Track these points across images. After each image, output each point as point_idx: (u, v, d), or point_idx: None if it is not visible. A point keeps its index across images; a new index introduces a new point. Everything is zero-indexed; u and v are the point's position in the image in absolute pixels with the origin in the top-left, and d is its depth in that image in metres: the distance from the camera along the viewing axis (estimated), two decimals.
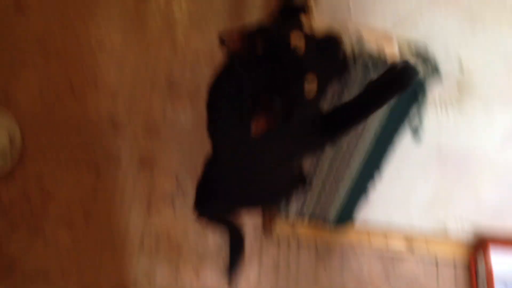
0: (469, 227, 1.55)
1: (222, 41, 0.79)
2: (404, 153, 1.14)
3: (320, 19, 0.88)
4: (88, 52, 1.97)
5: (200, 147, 1.82)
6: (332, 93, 0.98)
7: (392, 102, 1.00)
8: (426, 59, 0.87)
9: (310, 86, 0.74)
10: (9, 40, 1.99)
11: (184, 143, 1.84)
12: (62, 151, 1.82)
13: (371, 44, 0.87)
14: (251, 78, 0.78)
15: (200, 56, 1.98)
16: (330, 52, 0.77)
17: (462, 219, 1.50)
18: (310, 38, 0.75)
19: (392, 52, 0.87)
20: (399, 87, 0.85)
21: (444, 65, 0.88)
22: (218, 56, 1.90)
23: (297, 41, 0.74)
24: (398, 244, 1.68)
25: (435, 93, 0.95)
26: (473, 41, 0.82)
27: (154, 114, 1.88)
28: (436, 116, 1.01)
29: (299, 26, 0.78)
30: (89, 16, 2.02)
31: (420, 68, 0.86)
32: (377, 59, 0.88)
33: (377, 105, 0.89)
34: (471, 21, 0.78)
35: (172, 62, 1.97)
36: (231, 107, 0.88)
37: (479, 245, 1.61)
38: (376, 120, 1.06)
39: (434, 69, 0.87)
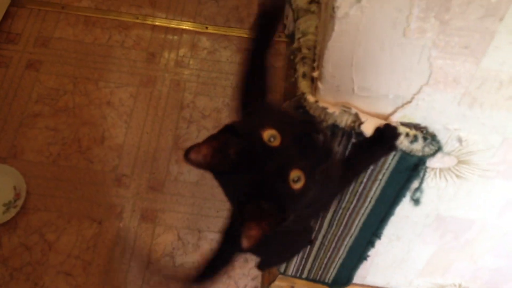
0: None
1: (188, 159, 0.68)
2: (403, 216, 1.17)
3: (324, 92, 0.94)
4: (97, 108, 2.03)
5: (202, 202, 1.85)
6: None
7: (391, 173, 1.05)
8: (426, 134, 0.92)
9: (297, 182, 0.69)
10: (20, 95, 2.05)
11: (187, 198, 1.86)
12: (65, 203, 1.83)
13: (370, 125, 0.92)
14: (230, 190, 0.75)
15: (206, 116, 2.04)
16: (309, 140, 0.71)
17: (460, 286, 1.52)
18: (284, 130, 0.70)
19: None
20: (382, 148, 0.90)
21: (443, 138, 0.93)
22: (223, 117, 2.00)
23: (271, 136, 0.70)
24: None
25: (435, 163, 0.99)
26: (471, 117, 0.86)
27: (158, 169, 1.91)
28: (436, 183, 1.04)
29: (272, 123, 0.72)
30: (100, 75, 2.09)
31: (420, 143, 0.92)
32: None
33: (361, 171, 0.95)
34: (469, 102, 0.83)
35: (178, 120, 2.03)
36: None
37: None
38: (376, 187, 1.10)
39: (433, 143, 0.92)
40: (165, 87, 2.08)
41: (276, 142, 0.69)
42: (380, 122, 0.89)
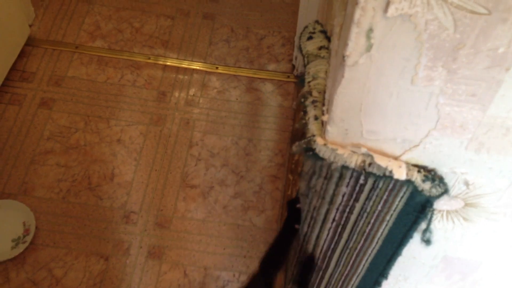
0: None
1: None
2: (411, 257, 1.16)
3: (333, 135, 0.95)
4: (107, 146, 2.05)
5: (210, 238, 1.85)
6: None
7: (399, 214, 1.06)
8: (433, 177, 0.92)
9: None
10: (32, 133, 2.08)
11: (194, 235, 1.85)
12: (74, 239, 1.83)
13: (381, 161, 0.93)
14: None
15: (215, 155, 2.05)
16: None
17: None
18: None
19: (400, 169, 0.93)
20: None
21: (451, 181, 0.93)
22: (231, 155, 2.01)
23: None
24: None
25: (442, 205, 1.00)
26: (478, 162, 0.86)
27: (166, 206, 1.92)
28: (443, 225, 1.04)
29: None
30: (111, 113, 2.13)
31: (428, 184, 0.92)
32: (386, 174, 0.94)
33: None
34: (476, 146, 0.84)
35: (187, 157, 2.04)
36: None
37: None
38: (384, 227, 1.10)
39: (441, 185, 0.92)
40: (174, 126, 2.11)
41: None
42: (389, 161, 0.90)
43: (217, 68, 2.28)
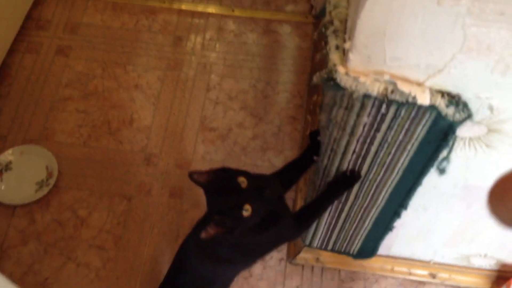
0: (493, 263, 1.57)
1: (191, 176, 1.14)
2: (431, 187, 1.17)
3: (355, 63, 0.94)
4: (125, 92, 2.05)
5: None
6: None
7: (421, 143, 1.05)
8: (457, 101, 0.92)
9: (247, 212, 1.09)
10: (50, 80, 2.09)
11: None
12: (96, 182, 1.86)
13: (404, 87, 0.92)
14: (211, 202, 1.17)
15: (233, 98, 2.05)
16: (264, 191, 1.13)
17: (486, 255, 1.52)
18: (252, 180, 1.13)
19: (424, 95, 0.93)
20: (346, 187, 1.26)
21: (474, 106, 0.92)
22: (249, 98, 2.01)
23: (242, 181, 1.12)
24: (420, 272, 1.67)
25: (464, 132, 0.99)
26: (504, 85, 0.85)
27: (185, 149, 1.93)
28: (464, 153, 1.04)
29: (246, 174, 1.16)
30: (128, 59, 2.12)
31: (452, 109, 0.92)
32: (409, 100, 0.93)
33: (333, 200, 1.31)
34: (502, 69, 0.83)
35: (205, 101, 2.04)
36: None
37: (502, 280, 1.62)
38: (405, 157, 1.11)
39: (464, 110, 0.92)
40: (191, 70, 2.10)
41: (243, 185, 1.11)
42: (413, 87, 0.89)
43: (233, 10, 2.24)
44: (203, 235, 1.06)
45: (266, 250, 1.36)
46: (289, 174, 1.40)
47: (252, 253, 1.33)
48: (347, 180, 1.24)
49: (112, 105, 2.02)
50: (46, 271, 1.71)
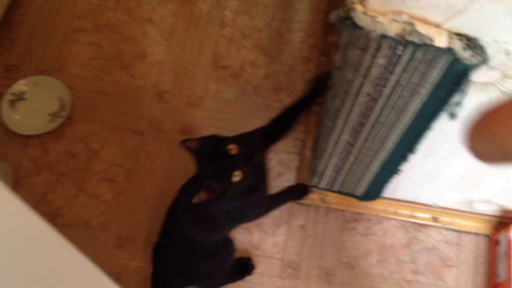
0: (495, 208, 1.60)
1: (183, 143, 1.20)
2: (441, 132, 1.17)
3: (374, 2, 0.93)
4: (138, 25, 2.04)
5: (240, 118, 1.88)
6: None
7: (435, 87, 1.05)
8: (474, 45, 0.91)
9: (237, 178, 1.19)
10: (64, 11, 2.07)
11: (225, 114, 1.89)
12: (108, 114, 1.89)
13: (422, 28, 0.92)
14: (202, 168, 1.24)
15: (247, 36, 2.02)
16: (253, 158, 1.22)
17: (489, 201, 1.54)
18: (244, 147, 1.21)
19: (442, 37, 0.92)
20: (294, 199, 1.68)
21: (491, 51, 0.92)
22: (263, 36, 1.99)
23: (232, 149, 1.20)
24: (422, 215, 1.71)
25: (479, 77, 0.99)
26: None
27: (198, 86, 1.94)
28: (477, 98, 1.04)
29: (236, 140, 1.23)
30: None
31: (469, 52, 0.91)
32: (427, 42, 0.93)
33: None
34: None
35: (218, 38, 2.02)
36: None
37: (502, 225, 1.65)
38: (417, 101, 1.11)
39: (481, 54, 0.91)
40: (206, 5, 2.07)
41: (234, 152, 1.20)
42: (431, 29, 0.88)
43: None
44: (195, 199, 1.17)
45: (247, 217, 1.50)
46: (282, 124, 1.57)
47: (236, 217, 1.45)
48: (297, 192, 1.59)
49: (125, 39, 2.01)
50: (58, 201, 1.77)
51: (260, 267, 1.69)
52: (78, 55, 1.98)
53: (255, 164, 1.24)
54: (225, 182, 1.19)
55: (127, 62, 1.97)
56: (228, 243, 1.53)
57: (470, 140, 0.42)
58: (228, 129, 1.85)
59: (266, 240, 1.72)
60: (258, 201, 1.45)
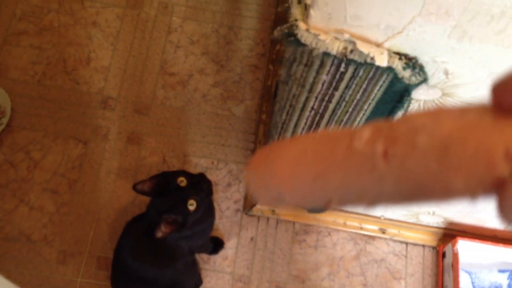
0: (440, 221, 1.64)
1: (135, 188, 1.27)
2: None
3: (316, 20, 0.94)
4: (82, 29, 1.99)
5: (189, 126, 1.87)
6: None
7: (377, 103, 1.07)
8: (414, 64, 0.93)
9: (192, 206, 1.25)
10: (3, 12, 1.99)
11: (173, 122, 1.86)
12: (51, 122, 1.83)
13: (363, 47, 0.93)
14: (155, 205, 1.31)
15: (194, 42, 2.01)
16: (202, 185, 1.30)
17: (434, 213, 1.58)
18: (190, 178, 1.29)
19: (382, 56, 0.93)
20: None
21: (430, 70, 0.94)
22: (211, 43, 1.97)
23: (181, 180, 1.27)
24: (370, 227, 1.73)
25: (420, 95, 1.01)
26: (460, 51, 0.87)
27: (144, 92, 1.90)
28: None
29: (184, 173, 1.31)
30: None
31: (408, 72, 0.93)
32: (367, 61, 0.94)
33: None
34: (459, 35, 0.84)
35: (165, 44, 2.00)
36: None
37: (448, 237, 1.69)
38: (361, 117, 1.12)
39: (420, 74, 0.93)
40: (152, 10, 2.04)
41: (183, 184, 1.27)
42: (371, 48, 0.89)
43: None
44: (159, 234, 1.22)
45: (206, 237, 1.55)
46: None
47: (197, 239, 1.48)
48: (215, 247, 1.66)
49: (68, 42, 1.96)
50: None
51: (210, 281, 1.67)
52: (18, 59, 1.92)
53: (205, 191, 1.31)
54: (182, 212, 1.25)
55: (71, 67, 1.92)
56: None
57: (248, 172, 0.40)
58: (176, 138, 1.83)
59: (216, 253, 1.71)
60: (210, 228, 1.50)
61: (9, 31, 1.96)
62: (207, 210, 1.41)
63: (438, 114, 0.29)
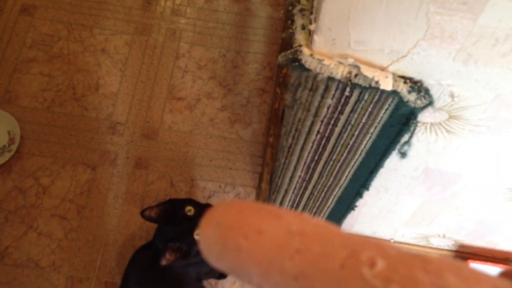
0: (451, 243, 1.61)
1: (143, 214, 1.27)
2: (392, 169, 1.18)
3: (320, 45, 0.93)
4: (91, 56, 2.01)
5: (196, 151, 1.87)
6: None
7: (383, 126, 1.06)
8: (419, 88, 0.92)
9: (198, 236, 1.22)
10: (14, 40, 2.02)
11: (181, 147, 1.87)
12: (60, 148, 1.84)
13: (367, 72, 0.92)
14: (164, 232, 1.31)
15: (202, 67, 2.02)
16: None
17: (444, 236, 1.56)
18: (198, 208, 1.30)
19: (386, 80, 0.93)
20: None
21: (436, 93, 0.93)
22: (218, 68, 1.98)
23: (188, 210, 1.29)
24: None
25: (426, 118, 1.00)
26: (465, 73, 0.86)
27: (152, 118, 1.91)
28: (426, 137, 1.05)
29: (192, 202, 1.33)
30: (94, 22, 2.06)
31: (414, 95, 0.92)
32: (372, 85, 0.94)
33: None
34: (464, 58, 0.83)
35: (173, 69, 2.01)
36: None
37: (460, 259, 1.67)
38: (367, 140, 1.11)
39: (426, 97, 0.92)
40: (160, 36, 2.06)
41: (191, 213, 1.28)
42: (376, 72, 0.89)
43: None
44: (163, 262, 1.22)
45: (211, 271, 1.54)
46: None
47: (205, 266, 1.48)
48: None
49: (77, 69, 1.97)
50: (6, 240, 1.70)
51: None
52: (28, 86, 1.93)
53: None
54: (189, 242, 1.27)
55: (80, 94, 1.93)
56: None
57: (201, 228, 0.29)
58: (184, 162, 1.83)
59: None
60: None
61: (19, 59, 1.98)
62: None
63: (471, 279, 0.24)
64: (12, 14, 2.05)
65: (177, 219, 1.29)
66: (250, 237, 0.28)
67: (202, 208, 1.33)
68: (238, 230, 0.28)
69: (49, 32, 2.04)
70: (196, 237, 1.26)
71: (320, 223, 0.28)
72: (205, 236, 0.29)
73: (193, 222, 1.28)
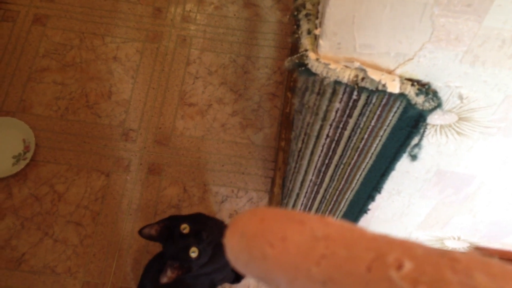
0: (466, 246, 1.60)
1: (141, 233, 1.30)
2: (404, 172, 1.18)
3: (325, 49, 0.93)
4: (103, 64, 2.03)
5: (208, 156, 1.87)
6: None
7: (392, 129, 1.06)
8: (427, 90, 0.91)
9: (194, 254, 1.26)
10: (27, 50, 2.05)
11: (193, 152, 1.88)
12: (74, 156, 1.87)
13: (374, 75, 0.92)
14: (165, 249, 1.33)
15: (212, 73, 2.03)
16: (202, 235, 1.29)
17: (459, 238, 1.54)
18: (194, 225, 1.30)
19: (394, 83, 0.92)
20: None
21: (444, 95, 0.92)
22: (229, 73, 1.99)
23: (184, 227, 1.28)
24: None
25: (436, 120, 0.99)
26: (473, 75, 0.85)
27: (164, 124, 1.93)
28: (436, 140, 1.04)
29: (187, 220, 1.32)
30: (106, 30, 2.08)
31: (422, 98, 0.92)
32: (379, 88, 0.93)
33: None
34: (471, 59, 0.83)
35: (184, 75, 2.02)
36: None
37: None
38: (377, 143, 1.11)
39: (434, 99, 0.92)
40: (171, 43, 2.07)
41: (186, 231, 1.28)
42: (383, 75, 0.89)
43: None
44: (164, 280, 1.25)
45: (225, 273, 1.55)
46: None
47: (218, 274, 1.51)
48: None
49: (90, 77, 2.00)
50: (23, 246, 1.72)
51: None
52: (42, 95, 1.96)
53: (206, 239, 1.32)
54: (185, 260, 1.28)
55: (93, 101, 1.95)
56: None
57: (228, 237, 0.28)
58: (196, 167, 1.84)
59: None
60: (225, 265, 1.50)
61: (33, 69, 2.01)
62: (221, 249, 1.39)
63: (502, 276, 0.24)
64: (25, 24, 2.08)
65: (174, 236, 1.30)
66: (275, 244, 0.28)
67: (197, 226, 1.32)
68: (262, 239, 0.29)
69: (61, 41, 2.06)
70: (192, 254, 1.27)
71: (345, 225, 0.28)
72: (231, 245, 0.30)
73: (188, 240, 1.28)
